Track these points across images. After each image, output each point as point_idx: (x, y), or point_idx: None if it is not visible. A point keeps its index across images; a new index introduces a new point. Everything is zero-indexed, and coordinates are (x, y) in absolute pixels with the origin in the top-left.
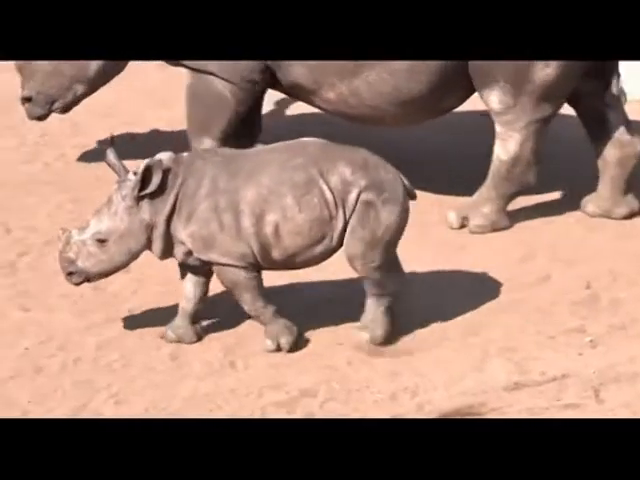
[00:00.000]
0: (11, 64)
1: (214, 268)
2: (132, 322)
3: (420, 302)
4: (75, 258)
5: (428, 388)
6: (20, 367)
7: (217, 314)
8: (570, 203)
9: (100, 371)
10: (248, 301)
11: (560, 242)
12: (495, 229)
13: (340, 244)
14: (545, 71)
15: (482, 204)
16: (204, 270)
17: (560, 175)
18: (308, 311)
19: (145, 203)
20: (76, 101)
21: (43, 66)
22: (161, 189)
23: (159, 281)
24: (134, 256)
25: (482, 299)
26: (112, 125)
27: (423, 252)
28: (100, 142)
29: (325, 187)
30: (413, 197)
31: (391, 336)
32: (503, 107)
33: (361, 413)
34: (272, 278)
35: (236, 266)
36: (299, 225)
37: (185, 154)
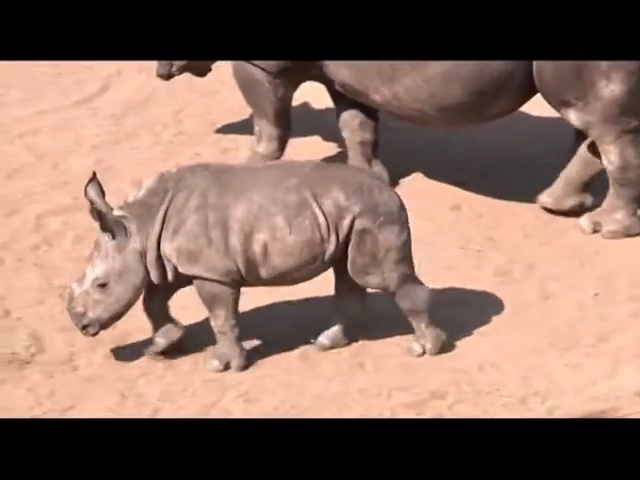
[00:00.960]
0: (146, 64)
1: (195, 281)
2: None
3: (553, 307)
4: (84, 310)
5: (559, 393)
6: (151, 365)
7: None
8: None
9: (230, 370)
10: (222, 317)
11: None
12: (628, 235)
13: (331, 263)
14: (609, 88)
15: (613, 210)
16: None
17: None
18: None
19: (134, 234)
20: (190, 69)
21: None
22: (151, 214)
23: None
24: (140, 289)
25: (615, 305)
26: (248, 123)
27: (557, 257)
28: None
29: (318, 210)
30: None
31: (443, 346)
32: (583, 123)
33: (490, 416)
34: None
35: (220, 281)
36: (290, 246)
37: (174, 170)
